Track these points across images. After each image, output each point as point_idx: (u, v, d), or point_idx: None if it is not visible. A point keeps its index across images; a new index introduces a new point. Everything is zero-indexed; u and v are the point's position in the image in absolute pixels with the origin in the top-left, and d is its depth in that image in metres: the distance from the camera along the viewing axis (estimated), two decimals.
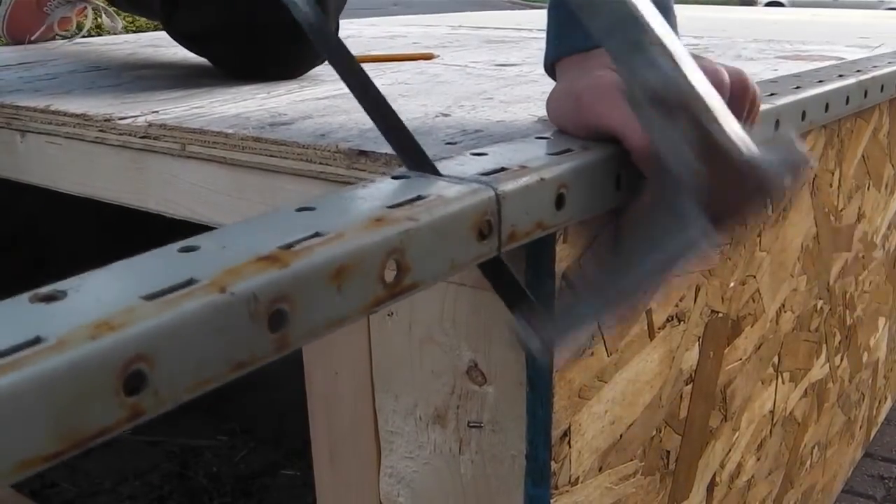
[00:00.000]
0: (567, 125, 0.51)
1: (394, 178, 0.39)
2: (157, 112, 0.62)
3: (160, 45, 1.14)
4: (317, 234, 0.32)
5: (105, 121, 0.61)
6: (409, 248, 0.34)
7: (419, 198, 0.36)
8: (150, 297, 0.26)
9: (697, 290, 0.61)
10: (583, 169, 0.44)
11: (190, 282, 0.27)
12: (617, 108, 0.45)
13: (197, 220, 0.58)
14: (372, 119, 0.42)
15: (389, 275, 0.34)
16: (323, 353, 0.54)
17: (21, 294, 0.26)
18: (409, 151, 0.41)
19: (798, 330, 0.82)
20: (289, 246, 0.31)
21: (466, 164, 0.43)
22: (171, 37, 0.84)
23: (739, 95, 0.47)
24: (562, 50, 0.52)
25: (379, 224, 0.34)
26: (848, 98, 0.76)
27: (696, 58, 0.47)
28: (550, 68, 0.54)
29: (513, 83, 0.75)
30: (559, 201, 0.42)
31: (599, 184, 0.45)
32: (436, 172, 0.40)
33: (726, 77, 0.46)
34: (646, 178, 0.46)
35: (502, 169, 0.42)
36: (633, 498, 0.57)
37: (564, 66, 0.52)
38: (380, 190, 0.38)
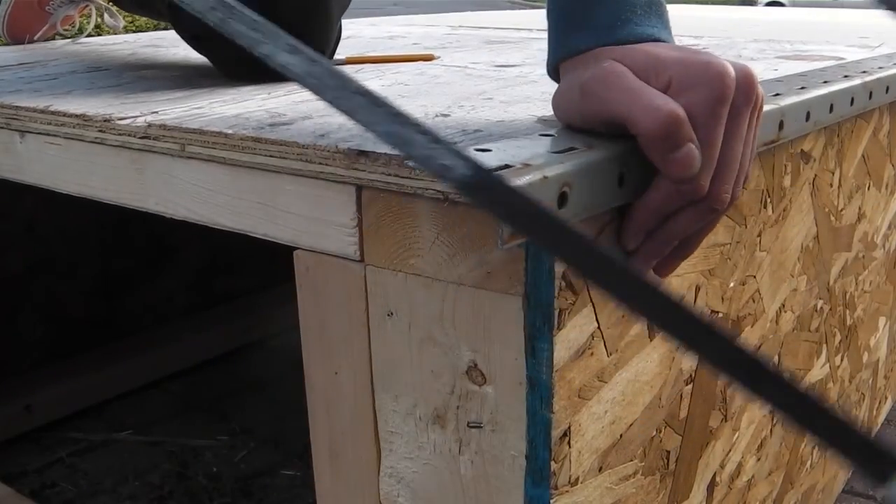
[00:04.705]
0: (573, 118, 0.51)
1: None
2: (156, 112, 0.62)
3: (160, 46, 1.14)
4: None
5: (104, 121, 0.61)
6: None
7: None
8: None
9: (697, 290, 0.61)
10: (586, 167, 0.44)
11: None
12: (622, 93, 0.45)
13: (197, 221, 0.58)
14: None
15: None
16: (323, 353, 0.54)
17: None
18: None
19: (798, 330, 0.82)
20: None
21: None
22: (180, 36, 0.84)
23: (745, 92, 0.46)
24: (563, 52, 0.52)
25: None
26: (853, 99, 0.76)
27: (703, 53, 0.46)
28: (554, 71, 0.54)
29: (513, 84, 0.75)
30: (562, 199, 0.42)
31: (602, 182, 0.45)
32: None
33: (732, 73, 0.45)
34: (653, 172, 0.46)
35: (506, 166, 0.42)
36: (634, 498, 0.57)
37: (567, 66, 0.52)
38: None
